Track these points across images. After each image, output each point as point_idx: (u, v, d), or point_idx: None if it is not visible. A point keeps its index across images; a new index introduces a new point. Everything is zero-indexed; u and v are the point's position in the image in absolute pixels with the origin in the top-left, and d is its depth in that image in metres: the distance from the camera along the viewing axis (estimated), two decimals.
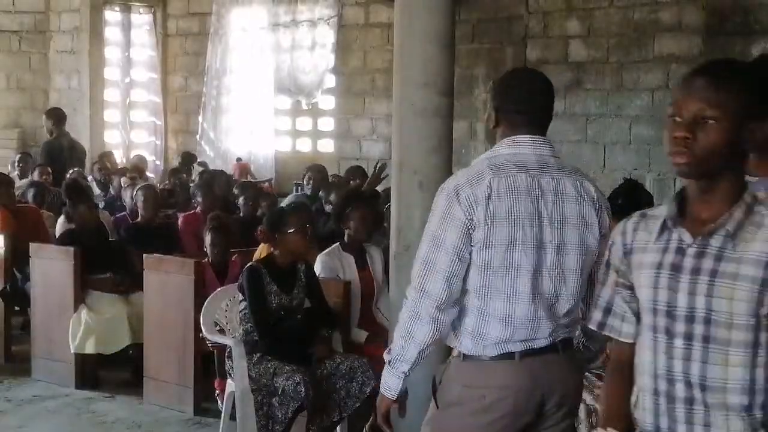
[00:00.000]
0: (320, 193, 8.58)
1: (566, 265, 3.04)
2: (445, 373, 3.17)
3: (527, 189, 3.01)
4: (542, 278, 3.01)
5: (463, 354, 3.08)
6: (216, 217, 6.86)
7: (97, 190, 10.28)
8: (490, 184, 2.98)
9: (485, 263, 2.98)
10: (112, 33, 14.04)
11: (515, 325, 3.00)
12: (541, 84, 3.21)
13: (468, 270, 3.00)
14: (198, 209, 8.12)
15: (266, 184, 11.82)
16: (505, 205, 2.98)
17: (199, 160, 12.47)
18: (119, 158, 13.32)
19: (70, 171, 10.32)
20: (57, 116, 11.44)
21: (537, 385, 3.04)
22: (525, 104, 3.12)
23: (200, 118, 13.40)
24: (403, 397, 3.17)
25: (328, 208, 7.96)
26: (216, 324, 5.83)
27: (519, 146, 3.09)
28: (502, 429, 3.04)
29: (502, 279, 2.98)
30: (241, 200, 8.42)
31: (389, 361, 3.12)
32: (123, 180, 10.13)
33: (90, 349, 6.77)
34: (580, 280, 3.07)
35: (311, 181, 9.12)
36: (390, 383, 3.13)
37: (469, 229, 2.97)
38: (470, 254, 2.99)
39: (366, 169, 9.74)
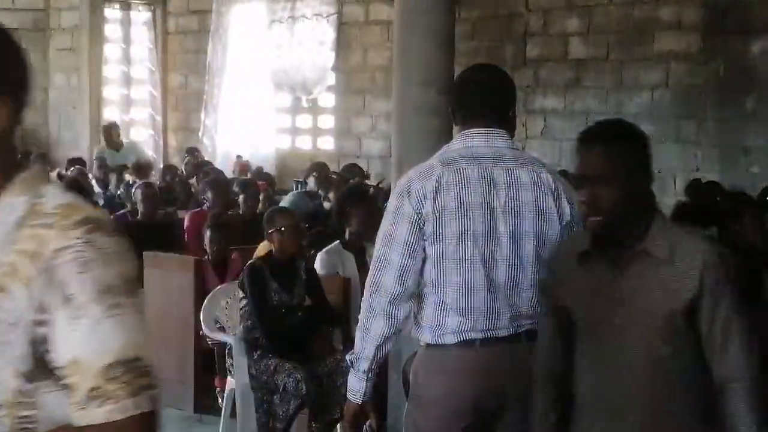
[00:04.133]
0: (318, 191, 8.56)
1: (523, 253, 3.05)
2: (413, 364, 3.21)
3: (478, 181, 3.02)
4: (498, 269, 3.02)
5: (426, 343, 3.10)
6: (215, 215, 6.82)
7: (97, 189, 10.28)
8: (439, 177, 3.01)
9: (438, 256, 3.00)
10: (111, 30, 14.05)
11: (474, 317, 3.01)
12: (491, 79, 3.22)
13: (424, 264, 3.03)
14: (205, 207, 7.90)
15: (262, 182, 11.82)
16: (454, 198, 3.00)
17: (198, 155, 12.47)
18: None
19: (71, 169, 10.30)
20: None
21: (498, 372, 3.04)
22: (473, 101, 3.14)
23: (202, 116, 13.41)
24: (368, 403, 3.12)
25: (327, 205, 7.96)
26: (216, 321, 5.83)
27: (471, 139, 3.11)
28: (464, 416, 3.05)
29: (456, 271, 3.00)
30: (241, 198, 8.41)
31: (351, 362, 3.11)
32: (129, 177, 10.13)
33: None
34: (538, 269, 3.07)
35: (316, 179, 9.11)
36: (354, 385, 3.11)
37: (419, 223, 3.00)
38: (424, 249, 3.01)
39: (366, 167, 9.76)
